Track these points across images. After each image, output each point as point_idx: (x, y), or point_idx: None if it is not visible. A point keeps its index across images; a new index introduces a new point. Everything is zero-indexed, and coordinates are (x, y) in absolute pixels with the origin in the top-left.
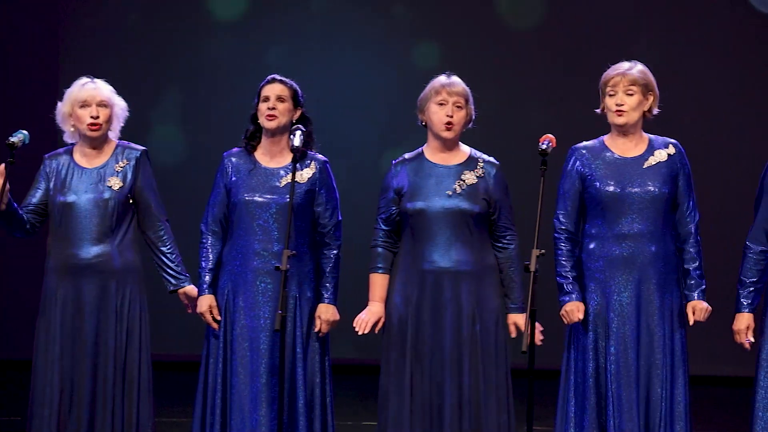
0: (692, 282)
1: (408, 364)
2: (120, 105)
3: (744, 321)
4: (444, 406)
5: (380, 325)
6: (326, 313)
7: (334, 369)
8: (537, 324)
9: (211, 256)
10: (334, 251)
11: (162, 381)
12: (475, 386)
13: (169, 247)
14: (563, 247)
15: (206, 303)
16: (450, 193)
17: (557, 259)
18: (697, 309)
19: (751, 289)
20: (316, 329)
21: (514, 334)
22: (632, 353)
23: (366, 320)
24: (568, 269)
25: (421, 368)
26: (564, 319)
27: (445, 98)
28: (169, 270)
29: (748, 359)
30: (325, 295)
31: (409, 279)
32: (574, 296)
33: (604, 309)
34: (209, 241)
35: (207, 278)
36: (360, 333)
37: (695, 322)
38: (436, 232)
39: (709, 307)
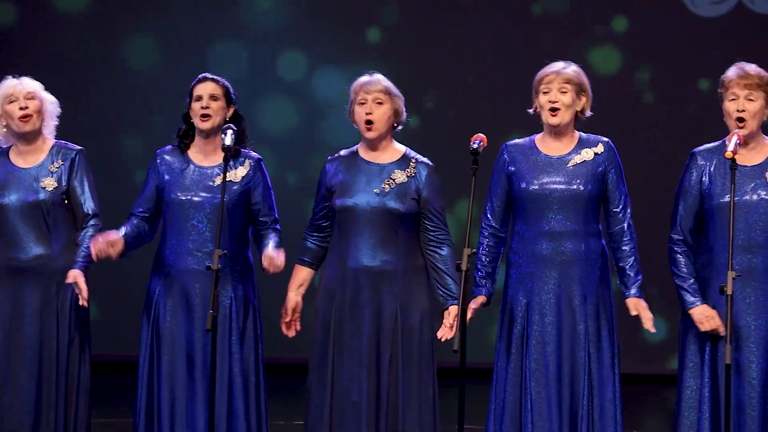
0: (628, 279)
1: (330, 360)
2: (49, 100)
3: (704, 309)
4: (361, 404)
5: (290, 313)
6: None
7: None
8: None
9: (132, 221)
10: (276, 229)
11: (99, 382)
12: (395, 386)
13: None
14: (483, 242)
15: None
16: (378, 191)
17: (477, 253)
18: (640, 307)
19: (691, 281)
20: (265, 264)
21: (448, 333)
22: (554, 352)
23: (284, 323)
24: (484, 263)
25: (341, 365)
26: (470, 314)
27: (364, 97)
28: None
29: (674, 358)
30: (271, 244)
31: (334, 276)
32: (483, 291)
33: (526, 307)
34: (133, 219)
35: (122, 230)
36: (290, 336)
37: (639, 320)
38: (362, 230)
39: (644, 304)
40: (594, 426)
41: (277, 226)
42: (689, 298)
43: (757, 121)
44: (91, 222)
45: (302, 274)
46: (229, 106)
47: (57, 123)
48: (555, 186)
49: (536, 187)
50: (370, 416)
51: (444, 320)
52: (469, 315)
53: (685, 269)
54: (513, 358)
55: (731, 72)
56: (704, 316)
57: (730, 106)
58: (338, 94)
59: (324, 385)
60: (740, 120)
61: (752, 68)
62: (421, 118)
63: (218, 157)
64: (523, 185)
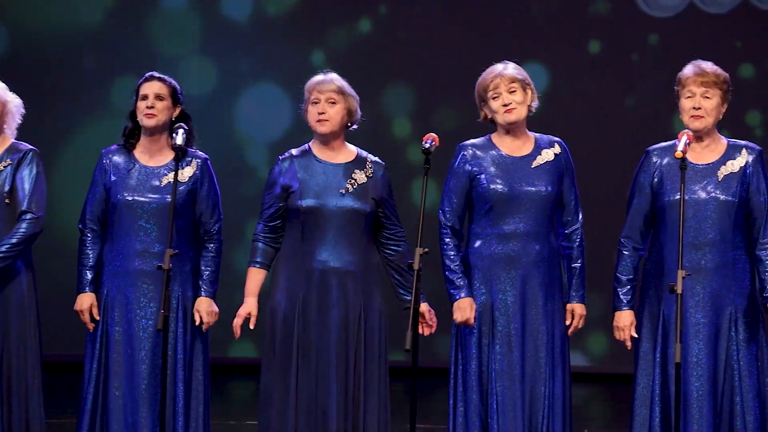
0: (574, 283)
1: (294, 362)
2: (14, 102)
3: (625, 318)
4: (329, 406)
5: (253, 320)
6: (202, 305)
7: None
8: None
9: (90, 253)
10: (214, 245)
11: (50, 381)
12: (359, 385)
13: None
14: (450, 242)
15: (87, 301)
16: (343, 191)
17: (444, 253)
18: (576, 314)
19: (629, 286)
20: (197, 323)
21: (427, 331)
22: (517, 352)
23: (236, 324)
24: (457, 263)
25: (307, 367)
26: (456, 316)
27: (317, 97)
28: None
29: (627, 356)
30: (203, 288)
31: (295, 277)
32: (463, 292)
33: (489, 308)
34: (89, 239)
35: (88, 276)
36: (236, 337)
37: (573, 326)
38: (327, 231)
39: (584, 313)
40: (550, 423)
41: (219, 236)
42: (618, 302)
43: (713, 119)
44: (25, 217)
45: (260, 277)
46: (175, 106)
47: (19, 123)
48: (522, 187)
49: (503, 187)
50: (339, 418)
51: (423, 319)
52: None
53: (625, 273)
54: (476, 359)
55: (688, 70)
56: (621, 324)
57: (686, 104)
58: None
59: (287, 387)
60: (695, 117)
61: (709, 66)
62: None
63: (164, 157)
64: (490, 186)
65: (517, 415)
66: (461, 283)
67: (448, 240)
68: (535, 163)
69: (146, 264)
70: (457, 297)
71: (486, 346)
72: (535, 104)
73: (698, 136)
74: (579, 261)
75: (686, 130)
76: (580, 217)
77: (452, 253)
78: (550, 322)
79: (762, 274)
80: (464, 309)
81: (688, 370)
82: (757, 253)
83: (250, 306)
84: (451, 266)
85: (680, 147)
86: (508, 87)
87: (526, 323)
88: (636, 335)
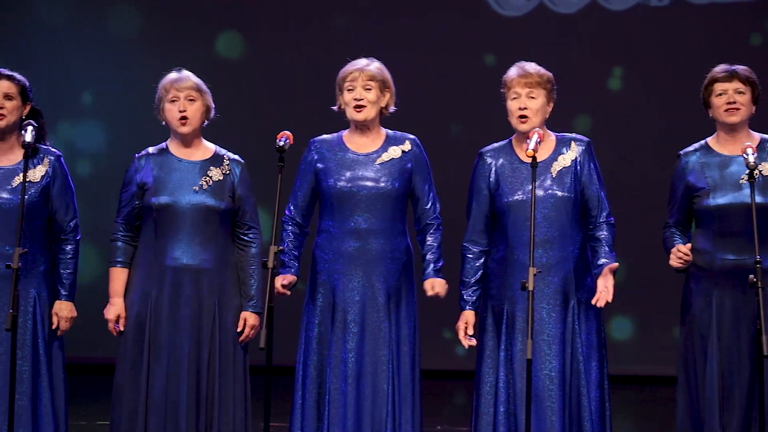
0: (427, 265)
1: (145, 360)
2: None
3: (464, 318)
4: (180, 403)
5: (122, 321)
6: (63, 310)
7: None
8: None
9: None
10: (71, 245)
11: None
12: (213, 384)
13: None
14: (288, 229)
15: None
16: (197, 188)
17: (282, 239)
18: (436, 284)
19: (475, 288)
20: (54, 327)
21: (246, 332)
22: (356, 349)
23: (111, 327)
24: (290, 247)
25: (158, 364)
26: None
27: (176, 95)
28: None
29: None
30: (62, 292)
31: (149, 274)
32: (292, 270)
33: (332, 304)
34: None
35: None
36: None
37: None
38: (181, 228)
39: (446, 283)
40: (396, 421)
41: (75, 235)
42: (463, 303)
43: (540, 118)
44: None
45: (124, 277)
46: (25, 104)
47: None
48: (363, 183)
49: (344, 184)
50: (190, 415)
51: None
52: (278, 285)
53: (470, 275)
54: (314, 355)
55: (512, 72)
56: (464, 324)
57: (512, 105)
58: None
59: (138, 386)
60: (522, 117)
61: (532, 67)
62: None
63: (15, 156)
64: (331, 182)
65: (348, 413)
66: (291, 264)
67: (287, 230)
68: (379, 160)
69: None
70: (283, 272)
71: (326, 342)
72: (392, 108)
73: (528, 136)
74: (432, 249)
75: (536, 129)
76: (438, 209)
77: (289, 239)
78: (395, 319)
79: (594, 250)
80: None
81: (536, 365)
82: (591, 233)
83: (119, 307)
84: (284, 249)
85: (531, 146)
86: (365, 83)
87: (366, 320)
88: (471, 334)
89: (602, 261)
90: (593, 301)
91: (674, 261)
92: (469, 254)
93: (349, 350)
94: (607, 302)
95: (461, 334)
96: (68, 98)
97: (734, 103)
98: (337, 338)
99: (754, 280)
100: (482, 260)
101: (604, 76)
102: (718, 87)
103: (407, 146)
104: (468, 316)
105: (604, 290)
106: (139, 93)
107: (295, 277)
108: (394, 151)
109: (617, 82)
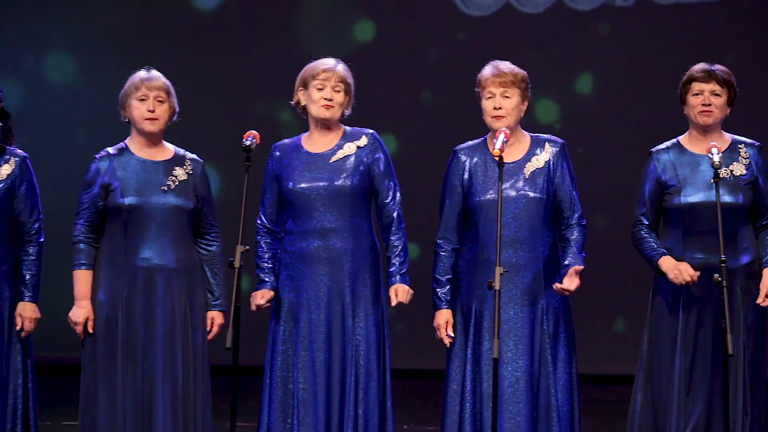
0: (392, 268)
1: (119, 361)
2: None
3: (443, 317)
4: (155, 403)
5: (90, 323)
6: (26, 311)
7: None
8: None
9: None
10: (35, 247)
11: None
12: (186, 383)
13: None
14: (260, 240)
15: None
16: (165, 188)
17: (256, 252)
18: (399, 291)
19: (449, 286)
20: (18, 328)
21: (215, 331)
22: (323, 350)
23: (79, 330)
24: (264, 259)
25: (132, 365)
26: (253, 303)
27: (146, 93)
28: None
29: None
30: (26, 293)
31: (117, 275)
32: (267, 285)
33: (296, 304)
34: None
35: None
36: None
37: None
38: (150, 228)
39: (410, 290)
40: (359, 419)
41: (39, 237)
42: (438, 302)
43: (515, 118)
44: None
45: (89, 279)
46: None
47: None
48: (318, 183)
49: (301, 185)
50: (166, 415)
51: (207, 320)
52: (259, 301)
53: (443, 273)
54: (281, 355)
55: (486, 71)
56: (444, 322)
57: (487, 105)
58: None
59: (114, 386)
60: (497, 117)
61: (506, 66)
62: None
63: None
64: (290, 185)
65: (318, 411)
66: (265, 278)
67: (258, 238)
68: (333, 158)
69: None
70: (258, 288)
71: (291, 343)
72: (347, 111)
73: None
74: (396, 248)
75: (503, 128)
76: (398, 203)
77: (261, 250)
78: (362, 317)
79: (563, 251)
80: (255, 296)
81: (504, 365)
82: (562, 234)
83: (88, 310)
84: (259, 263)
85: (498, 145)
86: (335, 85)
87: (331, 319)
88: (452, 333)
89: (568, 261)
90: (554, 286)
91: (677, 277)
92: (442, 251)
93: (316, 350)
94: (568, 292)
95: (442, 332)
96: None
97: (709, 105)
98: (304, 338)
99: (719, 279)
100: (455, 258)
101: (572, 77)
102: (696, 86)
103: (363, 141)
104: (446, 314)
105: (566, 284)
106: None
107: (272, 293)
108: (349, 148)
109: (584, 82)
